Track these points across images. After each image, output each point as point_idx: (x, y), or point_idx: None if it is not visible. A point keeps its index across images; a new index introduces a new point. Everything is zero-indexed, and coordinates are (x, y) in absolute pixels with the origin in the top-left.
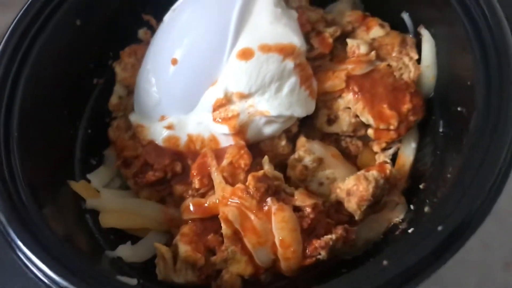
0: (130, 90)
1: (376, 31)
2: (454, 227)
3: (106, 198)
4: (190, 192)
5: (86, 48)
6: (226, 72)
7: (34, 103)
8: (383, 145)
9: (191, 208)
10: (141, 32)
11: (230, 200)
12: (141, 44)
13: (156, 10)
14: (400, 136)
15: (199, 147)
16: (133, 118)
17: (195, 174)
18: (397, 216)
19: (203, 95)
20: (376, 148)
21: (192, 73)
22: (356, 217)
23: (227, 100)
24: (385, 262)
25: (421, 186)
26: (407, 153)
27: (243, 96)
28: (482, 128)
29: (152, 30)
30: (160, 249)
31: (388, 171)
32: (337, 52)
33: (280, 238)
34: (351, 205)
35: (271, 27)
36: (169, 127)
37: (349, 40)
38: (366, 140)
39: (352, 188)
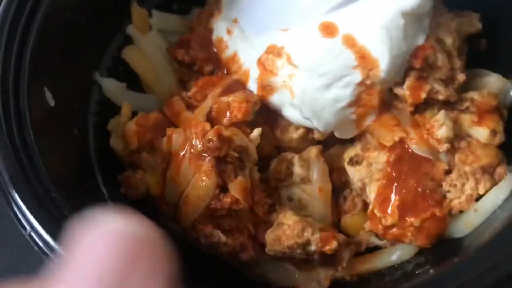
0: None
1: (481, 132)
2: None
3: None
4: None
5: None
6: (296, 32)
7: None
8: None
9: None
10: None
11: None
12: None
13: None
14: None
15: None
16: None
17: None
18: None
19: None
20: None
21: None
22: None
23: (277, 54)
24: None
25: None
26: None
27: (291, 63)
28: None
29: None
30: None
31: None
32: (419, 111)
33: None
34: None
35: (378, 26)
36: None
37: (441, 113)
38: None
39: None
